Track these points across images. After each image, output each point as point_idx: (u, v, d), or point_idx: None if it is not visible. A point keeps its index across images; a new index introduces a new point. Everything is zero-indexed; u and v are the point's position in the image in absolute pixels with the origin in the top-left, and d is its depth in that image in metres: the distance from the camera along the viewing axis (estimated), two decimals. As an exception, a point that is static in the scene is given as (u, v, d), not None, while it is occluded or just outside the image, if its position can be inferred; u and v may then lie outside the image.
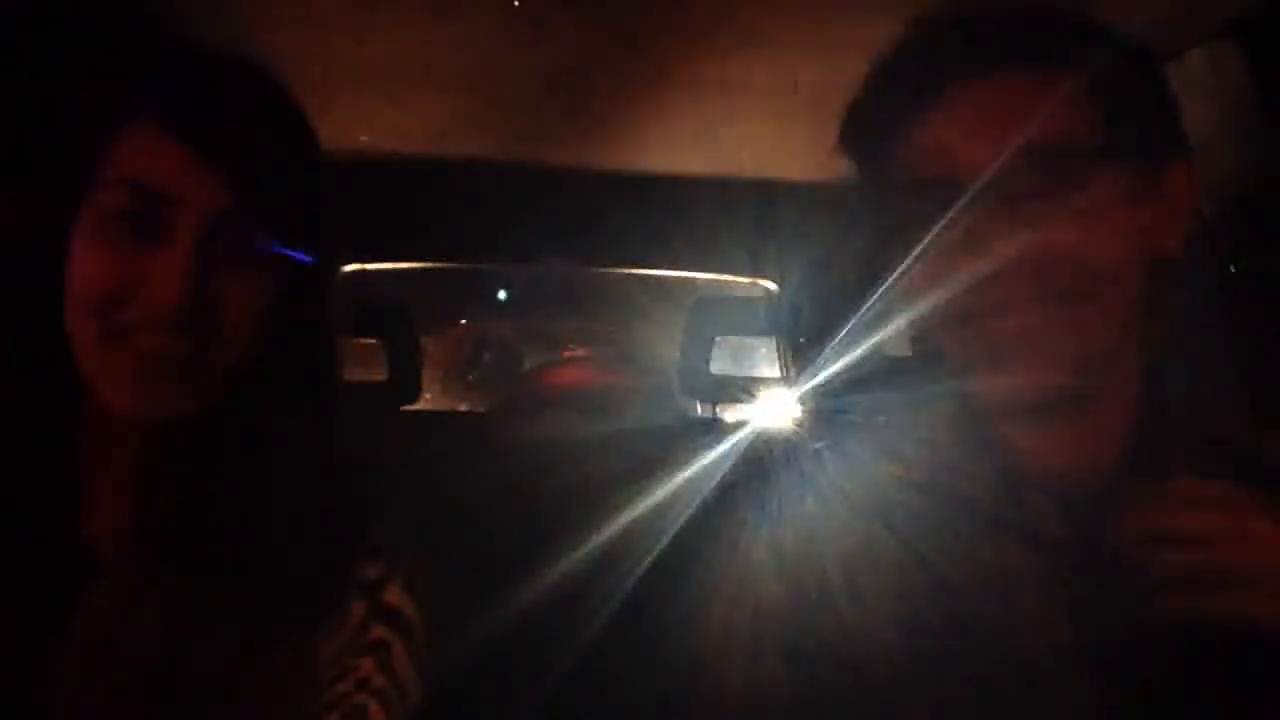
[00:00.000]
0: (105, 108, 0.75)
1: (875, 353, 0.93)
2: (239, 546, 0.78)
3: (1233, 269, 1.23)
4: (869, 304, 0.86)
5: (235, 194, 0.74)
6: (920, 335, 0.79)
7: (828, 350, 0.96)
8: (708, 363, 2.05)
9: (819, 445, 0.83)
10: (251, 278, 0.76)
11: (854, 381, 0.94)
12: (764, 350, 2.56)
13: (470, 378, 3.10)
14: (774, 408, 2.00)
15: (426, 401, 2.43)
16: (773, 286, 2.23)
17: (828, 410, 0.91)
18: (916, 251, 0.73)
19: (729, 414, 2.16)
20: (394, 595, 0.83)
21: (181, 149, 0.73)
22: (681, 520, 1.16)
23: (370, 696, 0.79)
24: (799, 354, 2.17)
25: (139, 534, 0.78)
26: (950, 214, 0.70)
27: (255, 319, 0.77)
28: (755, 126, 1.79)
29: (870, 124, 0.77)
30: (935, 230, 0.71)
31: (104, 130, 0.74)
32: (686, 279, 2.36)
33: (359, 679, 0.79)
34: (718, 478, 1.18)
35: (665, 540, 1.18)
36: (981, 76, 0.71)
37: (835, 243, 1.88)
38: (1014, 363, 0.72)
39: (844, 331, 0.93)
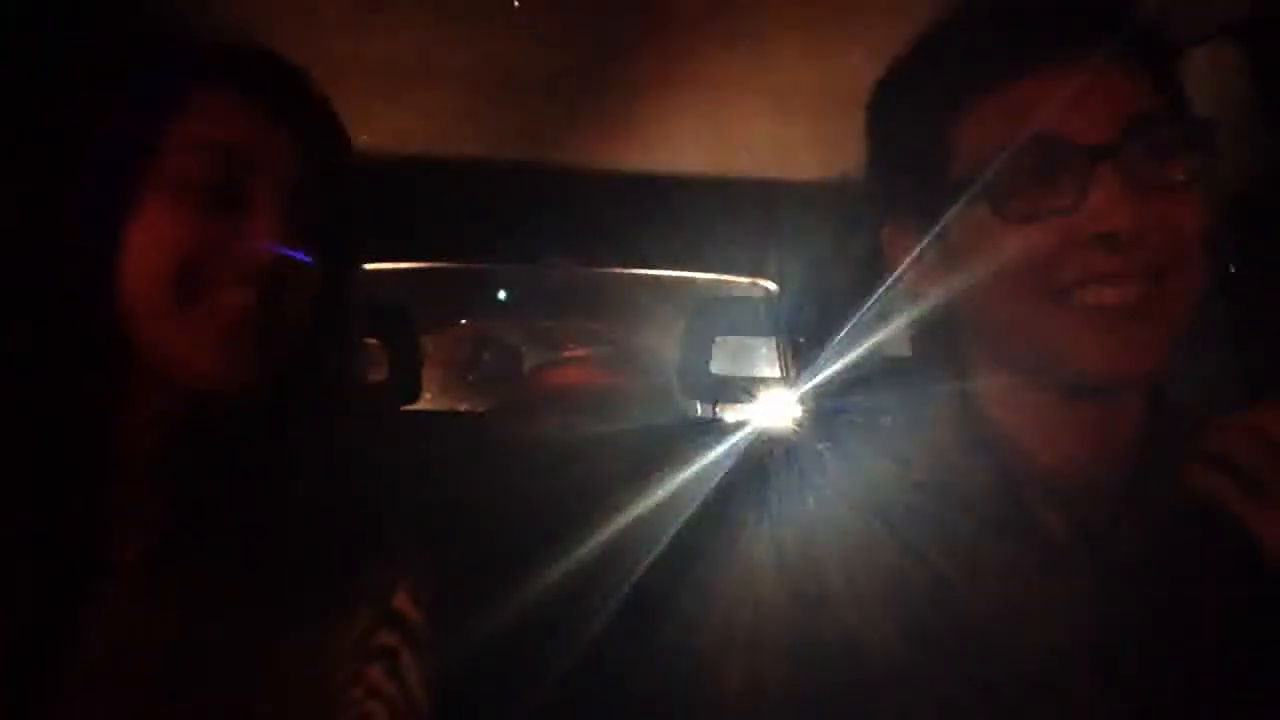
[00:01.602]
0: (174, 73, 0.76)
1: (875, 353, 0.93)
2: (250, 545, 0.77)
3: (1232, 269, 1.23)
4: (869, 304, 0.86)
5: (305, 160, 0.76)
6: (977, 318, 0.76)
7: (828, 350, 0.96)
8: (708, 363, 2.05)
9: (820, 445, 0.83)
10: (313, 250, 0.77)
11: (854, 381, 0.94)
12: (764, 350, 2.56)
13: (470, 378, 3.10)
14: (774, 408, 2.00)
15: (426, 401, 2.42)
16: (773, 286, 2.23)
17: (828, 410, 0.91)
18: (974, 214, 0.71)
19: (729, 414, 2.16)
20: (403, 602, 0.83)
21: (258, 112, 0.75)
22: (681, 520, 1.16)
23: (380, 703, 0.78)
24: (799, 354, 2.17)
25: (155, 534, 0.77)
26: (1060, 175, 0.69)
27: (315, 292, 0.78)
28: (755, 126, 1.79)
29: (957, 79, 0.74)
30: (1033, 193, 0.69)
31: (173, 96, 0.74)
32: (686, 279, 2.36)
33: (369, 685, 0.79)
34: (718, 478, 1.18)
35: (665, 540, 1.18)
36: (1077, 51, 0.70)
37: (835, 243, 1.88)
38: (1106, 344, 0.70)
39: (844, 331, 0.93)
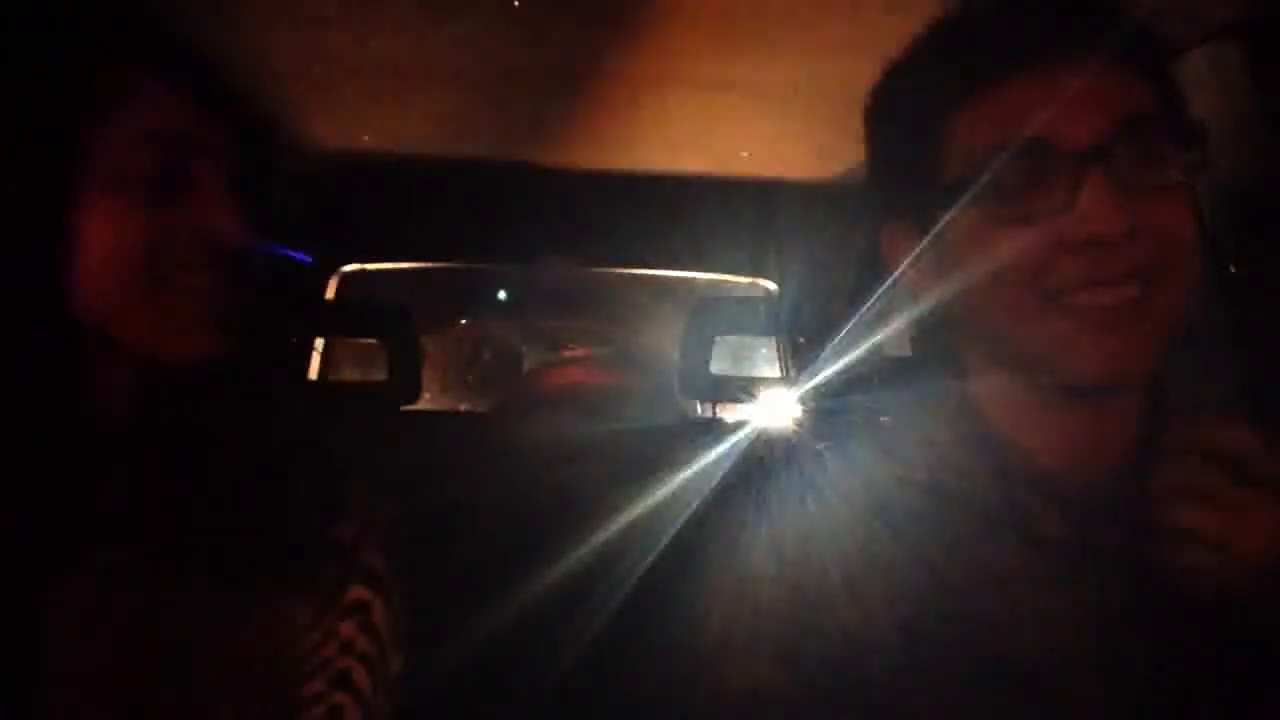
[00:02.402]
0: (111, 72, 0.77)
1: (875, 353, 0.93)
2: (216, 514, 0.78)
3: (1232, 269, 1.23)
4: (869, 304, 0.86)
5: (239, 150, 0.79)
6: (974, 317, 0.76)
7: (828, 350, 0.96)
8: (708, 363, 2.05)
9: (820, 445, 0.83)
10: (257, 235, 0.80)
11: (854, 381, 0.94)
12: (764, 350, 2.57)
13: (470, 378, 3.10)
14: (774, 408, 2.00)
15: (426, 402, 2.42)
16: (773, 286, 2.23)
17: (828, 410, 0.91)
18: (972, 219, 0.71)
19: (729, 414, 2.16)
20: (370, 557, 0.83)
21: (190, 102, 0.77)
22: (681, 520, 1.16)
23: (354, 660, 0.79)
24: (799, 354, 2.18)
25: (127, 505, 0.78)
26: (1050, 178, 0.68)
27: (263, 266, 0.81)
28: (755, 126, 1.79)
29: (944, 85, 0.74)
30: (1025, 196, 0.69)
31: (109, 94, 0.75)
32: (686, 279, 2.37)
33: (342, 641, 0.80)
34: (718, 478, 1.18)
35: (665, 540, 1.18)
36: (1069, 51, 0.69)
37: (835, 243, 1.88)
38: (1099, 346, 0.69)
39: (844, 331, 0.93)
